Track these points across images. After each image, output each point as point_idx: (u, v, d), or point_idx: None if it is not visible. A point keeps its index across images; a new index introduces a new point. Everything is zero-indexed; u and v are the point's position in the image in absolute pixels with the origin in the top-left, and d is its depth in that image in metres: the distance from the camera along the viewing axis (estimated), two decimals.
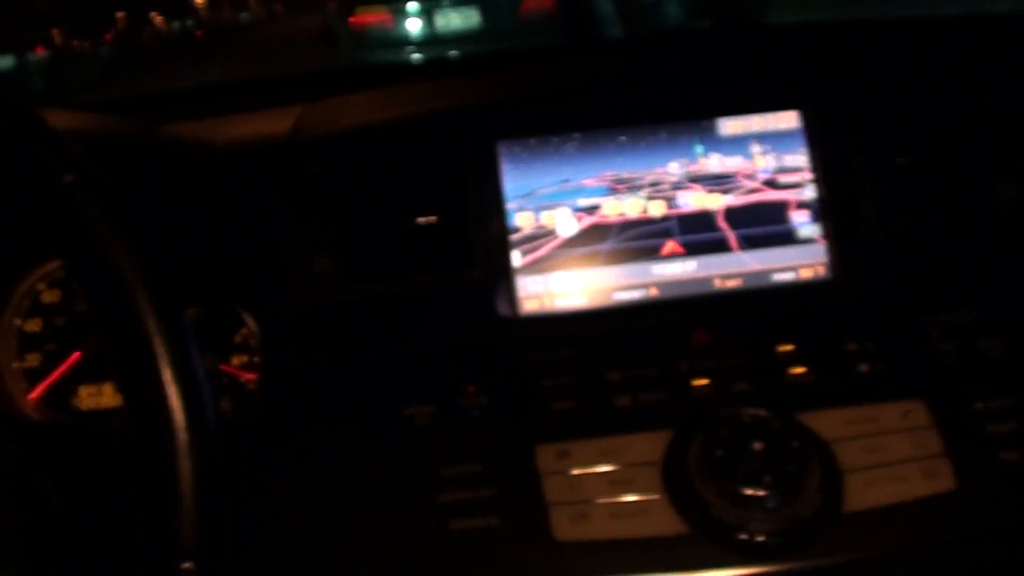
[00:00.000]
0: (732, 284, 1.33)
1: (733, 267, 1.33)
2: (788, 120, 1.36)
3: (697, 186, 1.34)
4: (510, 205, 1.32)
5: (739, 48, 1.62)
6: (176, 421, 0.76)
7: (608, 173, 1.33)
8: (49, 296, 1.29)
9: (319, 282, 1.30)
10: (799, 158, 1.36)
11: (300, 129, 1.39)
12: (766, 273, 1.34)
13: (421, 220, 1.31)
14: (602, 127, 1.34)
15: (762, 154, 1.35)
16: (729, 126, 1.35)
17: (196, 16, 31.55)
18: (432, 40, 9.06)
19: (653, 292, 1.32)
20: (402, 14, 9.01)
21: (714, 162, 1.35)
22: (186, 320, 0.80)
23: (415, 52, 9.12)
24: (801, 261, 1.34)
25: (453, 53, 8.94)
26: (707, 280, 1.33)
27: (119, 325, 0.77)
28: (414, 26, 9.05)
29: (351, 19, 9.10)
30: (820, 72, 1.43)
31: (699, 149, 1.35)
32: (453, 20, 9.00)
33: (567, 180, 1.32)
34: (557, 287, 1.31)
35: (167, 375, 0.76)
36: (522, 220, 1.32)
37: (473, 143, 1.33)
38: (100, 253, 0.77)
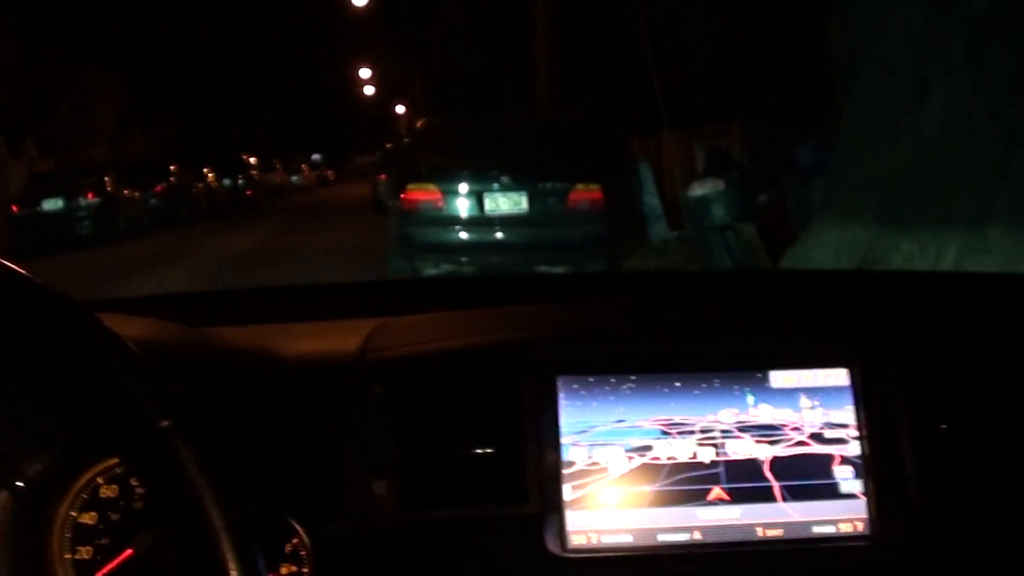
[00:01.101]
0: (773, 534, 1.36)
1: (775, 517, 1.36)
2: (837, 377, 1.41)
3: (746, 436, 1.38)
4: (564, 440, 1.36)
5: (794, 299, 1.68)
6: None
7: (661, 416, 1.38)
8: (107, 491, 1.29)
9: (376, 505, 1.33)
10: (846, 414, 1.40)
11: (367, 350, 1.44)
12: (807, 524, 1.37)
13: (478, 451, 1.35)
14: (658, 371, 1.39)
15: (811, 408, 1.40)
16: (780, 379, 1.40)
17: (248, 176, 32.21)
18: (480, 221, 9.23)
19: (696, 536, 1.35)
20: (452, 194, 9.21)
21: (764, 413, 1.39)
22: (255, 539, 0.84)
23: (462, 231, 9.30)
24: (842, 515, 1.37)
25: (499, 236, 9.12)
26: (750, 528, 1.36)
27: (196, 537, 0.81)
28: (463, 207, 9.25)
29: (402, 194, 9.30)
30: (870, 332, 1.48)
31: (750, 399, 1.39)
32: (502, 204, 9.20)
33: (622, 420, 1.37)
34: (605, 524, 1.34)
35: None
36: (575, 455, 1.36)
37: (535, 376, 1.38)
38: (188, 490, 0.81)
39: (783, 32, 15.61)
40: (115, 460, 1.30)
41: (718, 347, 1.45)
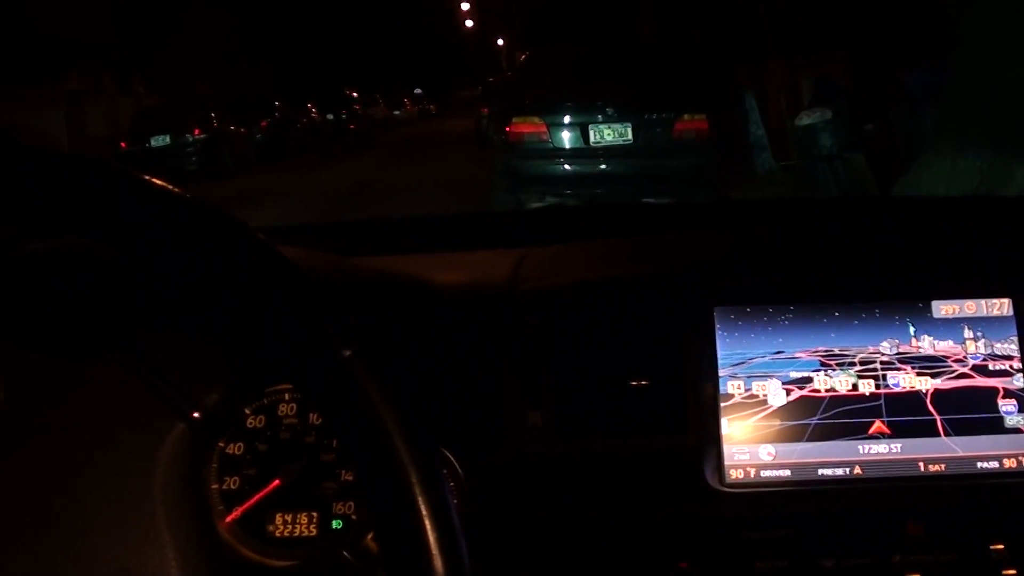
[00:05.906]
0: (936, 469, 1.32)
1: (938, 451, 1.32)
2: (1001, 307, 1.36)
3: (907, 367, 1.34)
4: (722, 372, 1.33)
5: (953, 227, 1.62)
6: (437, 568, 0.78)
7: (820, 347, 1.34)
8: (254, 421, 1.29)
9: (531, 436, 1.32)
10: (1010, 346, 1.35)
11: (520, 280, 1.42)
12: (970, 460, 1.32)
13: (634, 383, 1.33)
14: (817, 301, 1.35)
15: (973, 339, 1.35)
16: (943, 309, 1.36)
17: (351, 110, 32.40)
18: (585, 153, 9.17)
19: (858, 471, 1.32)
20: (557, 126, 9.14)
21: (925, 344, 1.35)
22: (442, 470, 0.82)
23: (567, 163, 9.24)
24: (1006, 450, 1.33)
25: (604, 167, 9.05)
26: (912, 463, 1.32)
27: (385, 479, 0.80)
28: (567, 139, 9.18)
29: (507, 127, 9.26)
30: None
31: (911, 330, 1.35)
32: (607, 135, 9.11)
33: (780, 352, 1.34)
34: (763, 458, 1.32)
35: (431, 533, 0.78)
36: (733, 388, 1.33)
37: (692, 307, 1.35)
38: (372, 421, 0.79)
39: None
40: (286, 387, 1.29)
41: (878, 276, 1.40)
